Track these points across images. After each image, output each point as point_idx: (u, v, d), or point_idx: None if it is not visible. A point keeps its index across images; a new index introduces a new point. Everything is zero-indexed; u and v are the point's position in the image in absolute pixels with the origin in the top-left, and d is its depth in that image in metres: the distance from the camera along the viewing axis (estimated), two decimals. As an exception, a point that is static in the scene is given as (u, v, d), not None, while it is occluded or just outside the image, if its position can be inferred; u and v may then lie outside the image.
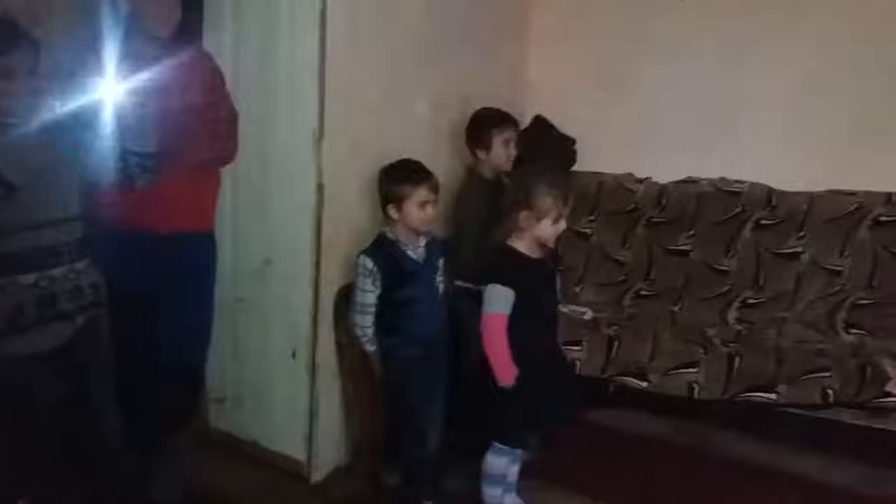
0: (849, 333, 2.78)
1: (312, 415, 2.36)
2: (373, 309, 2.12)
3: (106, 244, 1.74)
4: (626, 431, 2.79)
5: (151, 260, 1.90)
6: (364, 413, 2.39)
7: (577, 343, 2.81)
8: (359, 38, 2.29)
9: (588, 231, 3.31)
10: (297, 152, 2.25)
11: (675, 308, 3.05)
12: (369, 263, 2.09)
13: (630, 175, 3.31)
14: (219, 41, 2.28)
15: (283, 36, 2.25)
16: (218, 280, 2.21)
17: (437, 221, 2.22)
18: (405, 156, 2.23)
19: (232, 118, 2.09)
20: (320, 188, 2.22)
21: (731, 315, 2.96)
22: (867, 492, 2.44)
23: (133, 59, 1.83)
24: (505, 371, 2.01)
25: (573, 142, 3.35)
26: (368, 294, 2.10)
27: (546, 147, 3.28)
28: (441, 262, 2.24)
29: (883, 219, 2.82)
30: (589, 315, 3.03)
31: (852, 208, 2.87)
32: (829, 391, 2.48)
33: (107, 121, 1.76)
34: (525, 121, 3.35)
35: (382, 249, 2.12)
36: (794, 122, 3.00)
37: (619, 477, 2.52)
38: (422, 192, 2.09)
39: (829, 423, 2.54)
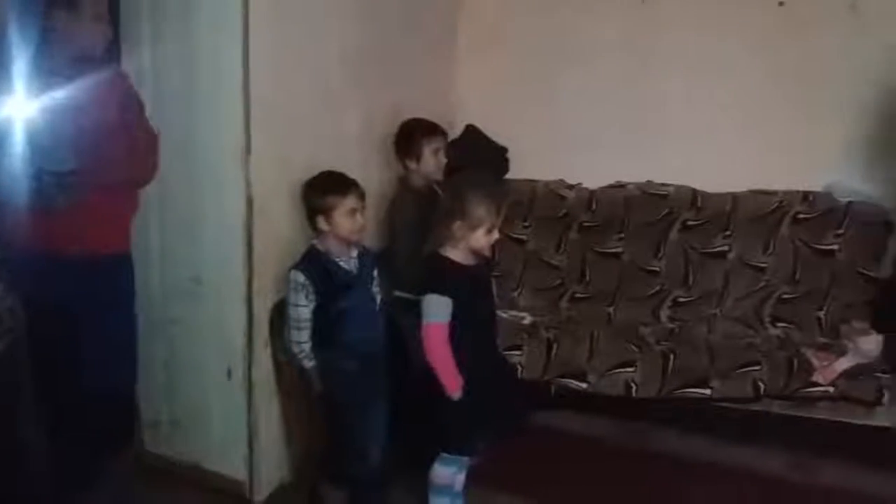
0: (775, 327, 2.87)
1: (252, 434, 2.29)
2: (308, 324, 2.07)
3: (21, 267, 1.65)
4: (568, 433, 2.80)
5: (67, 282, 1.81)
6: (305, 430, 2.33)
7: (517, 348, 2.82)
8: (284, 53, 2.25)
9: (524, 237, 3.32)
10: (225, 168, 2.19)
11: (610, 309, 3.10)
12: (301, 277, 2.05)
13: (561, 181, 3.35)
14: (139, 59, 2.21)
15: (205, 52, 2.18)
16: (148, 300, 2.13)
17: (369, 230, 2.19)
18: (337, 169, 2.21)
19: (150, 138, 2.04)
20: (250, 203, 2.16)
21: (664, 314, 3.02)
22: (797, 479, 2.51)
23: (47, 77, 1.76)
24: (451, 381, 1.99)
25: (505, 150, 3.37)
26: (302, 309, 2.06)
27: (478, 156, 3.29)
28: (375, 272, 2.21)
29: (801, 216, 2.92)
30: (528, 320, 3.05)
31: (773, 207, 2.97)
32: (760, 384, 2.55)
33: (19, 140, 1.68)
34: (457, 131, 3.36)
35: (313, 262, 2.08)
36: (716, 125, 3.08)
37: (563, 479, 2.53)
38: (350, 201, 2.07)
39: (760, 415, 2.61)
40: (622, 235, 3.17)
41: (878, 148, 2.89)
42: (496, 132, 3.36)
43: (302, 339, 2.08)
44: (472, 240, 1.98)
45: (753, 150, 3.01)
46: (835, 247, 2.86)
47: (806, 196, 2.94)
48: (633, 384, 2.67)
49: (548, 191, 3.33)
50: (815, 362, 2.55)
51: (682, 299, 3.03)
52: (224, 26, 2.13)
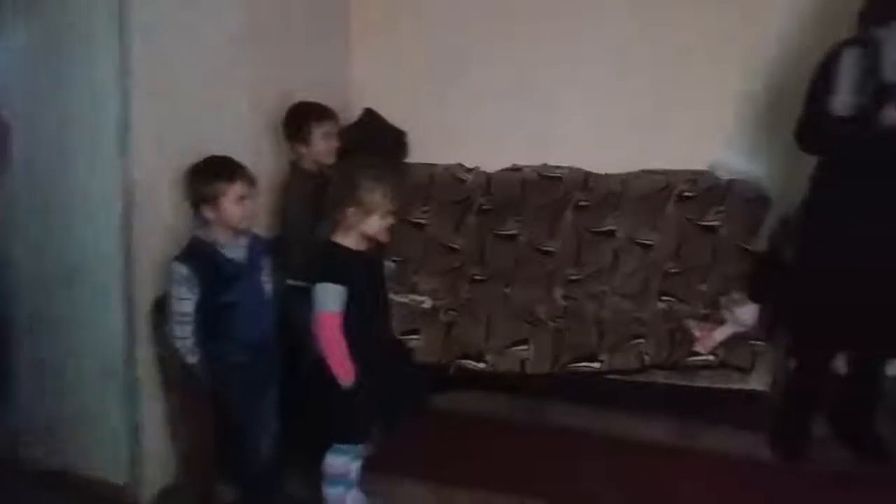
0: (661, 301, 2.98)
1: (134, 435, 2.20)
2: (191, 317, 1.98)
3: None
4: (467, 413, 2.82)
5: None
6: (192, 428, 2.24)
7: (415, 332, 2.83)
8: (164, 29, 2.15)
9: (423, 221, 3.32)
10: (101, 156, 2.08)
11: (508, 290, 3.14)
12: (183, 269, 1.96)
13: (460, 165, 3.36)
14: (8, 44, 2.06)
15: (79, 29, 2.06)
16: (15, 297, 2.00)
17: (261, 217, 2.12)
18: (226, 153, 2.11)
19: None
20: (128, 189, 2.05)
21: (557, 292, 3.09)
22: (681, 444, 2.63)
23: None
24: (343, 369, 1.96)
25: (404, 134, 3.34)
26: (185, 302, 1.97)
27: (377, 140, 3.25)
28: (266, 261, 2.15)
29: (686, 194, 3.04)
30: (428, 304, 3.05)
31: (660, 187, 3.07)
32: (645, 356, 2.64)
33: None
34: (354, 114, 3.30)
35: (198, 253, 1.99)
36: (607, 108, 3.15)
37: (463, 458, 2.55)
38: (237, 187, 1.98)
39: (647, 386, 2.71)
40: (519, 218, 3.22)
41: (760, 128, 3.03)
42: (394, 116, 3.32)
43: (185, 335, 1.99)
44: (367, 226, 1.95)
45: (643, 132, 3.10)
46: (716, 223, 2.99)
47: (691, 175, 3.06)
48: (526, 361, 2.72)
49: (447, 175, 3.33)
50: (696, 333, 2.66)
51: (574, 278, 3.10)
52: (99, 8, 2.01)
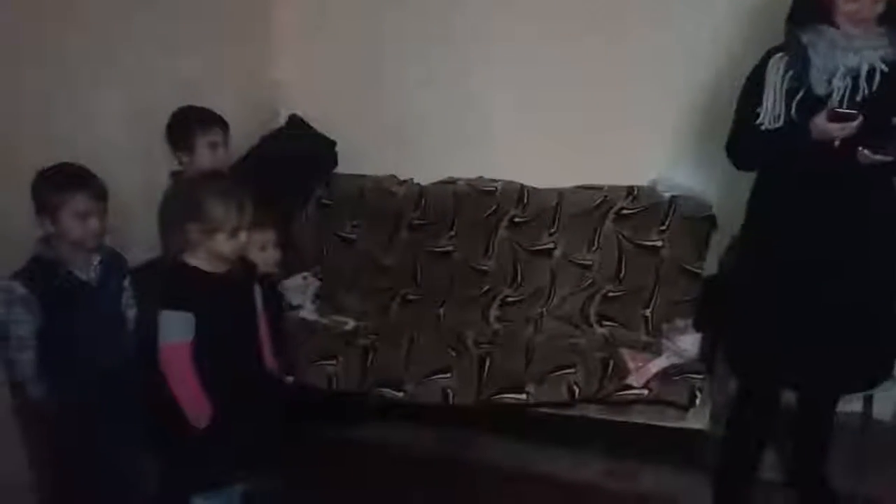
0: (601, 326, 2.71)
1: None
2: (31, 343, 1.72)
3: None
4: (382, 446, 2.55)
5: None
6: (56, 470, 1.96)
7: (333, 357, 2.57)
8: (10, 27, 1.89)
9: (353, 237, 3.06)
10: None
11: (440, 311, 2.87)
12: (19, 289, 1.69)
13: (393, 177, 3.10)
14: None
15: None
16: None
17: (106, 235, 1.83)
18: (98, 164, 1.85)
19: None
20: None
21: (493, 314, 2.82)
22: (612, 486, 2.36)
23: None
24: (196, 408, 1.70)
25: (333, 143, 3.08)
26: (23, 325, 1.70)
27: (303, 149, 3.00)
28: (125, 283, 1.88)
29: (625, 212, 2.76)
30: (350, 325, 2.79)
31: (598, 202, 2.80)
32: (575, 387, 2.37)
33: None
34: (280, 121, 3.05)
35: (39, 270, 1.73)
36: (543, 120, 2.88)
37: (375, 495, 2.30)
38: (80, 201, 1.71)
39: (578, 420, 2.43)
40: (453, 233, 2.95)
41: (704, 141, 2.76)
42: (322, 124, 3.06)
43: (24, 359, 1.72)
44: (214, 245, 1.69)
45: (581, 145, 2.82)
46: (659, 243, 2.71)
47: (630, 191, 2.78)
48: (449, 391, 2.46)
49: (377, 187, 3.07)
50: (630, 364, 2.39)
51: (510, 299, 2.83)
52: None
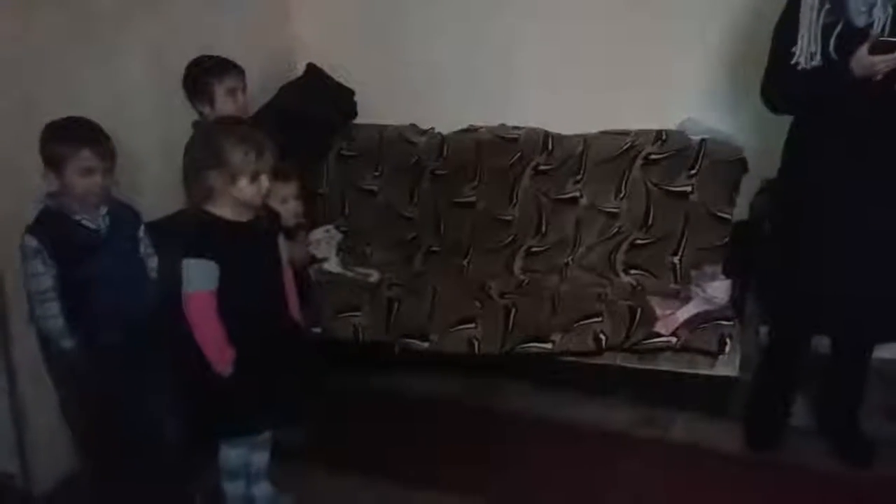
0: (628, 274, 2.64)
1: (18, 422, 1.94)
2: (53, 294, 1.70)
3: None
4: (410, 396, 2.53)
5: None
6: (84, 414, 1.96)
7: (357, 309, 2.54)
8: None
9: (374, 188, 2.99)
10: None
11: (464, 262, 2.82)
12: (33, 242, 1.67)
13: (413, 126, 3.01)
14: None
15: None
16: None
17: (114, 187, 1.79)
18: (115, 118, 1.83)
19: None
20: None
21: (517, 265, 2.76)
22: (641, 434, 2.32)
23: None
24: (218, 355, 1.68)
25: (352, 93, 2.99)
26: (42, 278, 1.68)
27: (321, 98, 2.92)
28: (141, 232, 1.85)
29: (654, 157, 2.65)
30: (374, 277, 2.76)
31: (625, 148, 2.69)
32: (602, 336, 2.32)
33: None
34: (298, 72, 2.97)
35: (48, 223, 1.70)
36: (568, 63, 2.75)
37: (402, 445, 2.29)
38: (84, 157, 1.66)
39: (606, 368, 2.39)
40: (475, 183, 2.87)
41: (736, 82, 2.64)
42: (341, 73, 2.96)
43: (49, 313, 1.71)
44: (236, 191, 1.64)
45: (606, 89, 2.70)
46: (688, 188, 2.61)
47: (659, 135, 2.66)
48: (475, 340, 2.42)
49: (397, 137, 2.99)
50: (659, 311, 2.34)
51: (535, 249, 2.76)
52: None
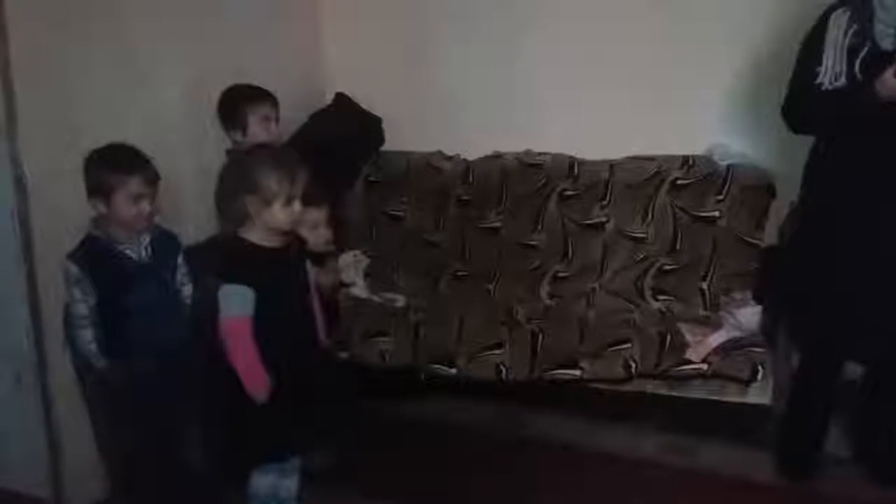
0: (656, 300, 2.61)
1: (54, 446, 1.95)
2: (88, 321, 1.71)
3: None
4: (437, 422, 2.51)
5: None
6: (118, 439, 1.97)
7: (384, 334, 2.53)
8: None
9: (401, 214, 3.00)
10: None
11: (491, 287, 2.81)
12: (74, 269, 1.69)
13: (439, 153, 3.02)
14: None
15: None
16: None
17: (157, 216, 1.80)
18: (152, 144, 1.83)
19: None
20: (20, 184, 1.79)
21: (544, 290, 2.74)
22: (671, 461, 2.27)
23: None
24: (254, 381, 1.67)
25: (379, 121, 3.02)
26: (80, 304, 1.70)
27: (349, 126, 2.95)
28: (181, 259, 1.86)
29: (680, 182, 2.63)
30: (401, 302, 2.75)
31: (651, 173, 2.68)
32: (632, 363, 2.29)
33: None
34: (326, 100, 3.01)
35: (90, 251, 1.72)
36: (594, 89, 2.75)
37: (430, 472, 2.26)
38: (134, 184, 1.68)
39: (635, 396, 2.35)
40: (501, 209, 2.87)
41: (763, 106, 2.61)
42: (369, 101, 3.00)
43: (86, 339, 1.72)
44: (269, 216, 1.65)
45: (632, 115, 2.70)
46: (716, 213, 2.58)
47: (685, 160, 2.65)
48: (503, 367, 2.39)
49: (424, 163, 3.00)
50: (689, 338, 2.30)
51: (561, 274, 2.74)
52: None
